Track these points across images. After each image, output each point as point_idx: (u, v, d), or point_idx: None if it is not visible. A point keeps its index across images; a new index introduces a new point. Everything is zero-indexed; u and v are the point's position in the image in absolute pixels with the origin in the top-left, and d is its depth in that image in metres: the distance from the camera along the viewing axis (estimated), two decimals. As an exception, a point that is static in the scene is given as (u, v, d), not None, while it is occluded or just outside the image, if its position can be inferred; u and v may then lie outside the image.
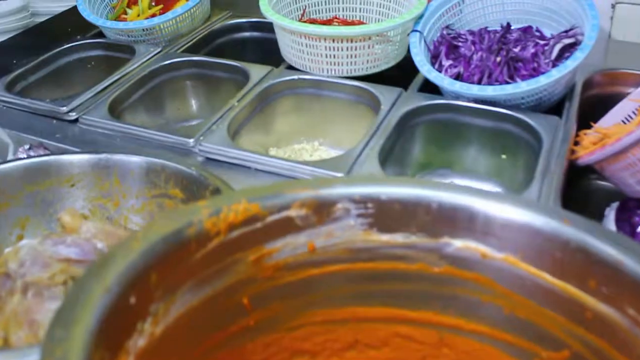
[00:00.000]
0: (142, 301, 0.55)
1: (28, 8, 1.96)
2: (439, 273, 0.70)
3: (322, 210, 0.70)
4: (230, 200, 0.74)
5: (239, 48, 1.73)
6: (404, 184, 0.77)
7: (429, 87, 1.35)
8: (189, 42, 1.63)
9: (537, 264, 0.62)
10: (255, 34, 1.73)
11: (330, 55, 1.35)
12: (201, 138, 1.22)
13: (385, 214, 0.74)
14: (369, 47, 1.35)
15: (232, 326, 0.67)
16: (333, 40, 1.32)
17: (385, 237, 0.70)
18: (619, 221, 1.18)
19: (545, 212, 0.60)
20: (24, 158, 1.19)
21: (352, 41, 1.32)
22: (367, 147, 1.17)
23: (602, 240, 0.57)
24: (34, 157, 1.18)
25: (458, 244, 0.68)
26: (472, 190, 0.72)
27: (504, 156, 1.27)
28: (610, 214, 1.20)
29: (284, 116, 1.41)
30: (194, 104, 1.55)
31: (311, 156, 1.42)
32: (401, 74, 1.43)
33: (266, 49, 1.67)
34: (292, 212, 0.70)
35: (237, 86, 1.45)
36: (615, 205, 1.20)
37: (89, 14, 1.62)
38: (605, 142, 1.15)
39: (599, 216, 1.18)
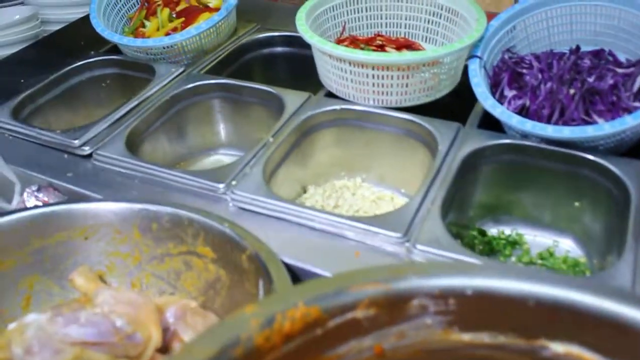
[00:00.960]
0: None
1: (37, 16, 1.80)
2: None
3: (394, 309, 0.61)
4: (284, 303, 0.61)
5: (269, 65, 1.57)
6: (494, 274, 0.64)
7: (489, 119, 1.18)
8: (213, 60, 1.47)
9: None
10: (287, 49, 1.56)
11: (378, 84, 1.18)
12: (233, 183, 1.06)
13: (470, 311, 0.64)
14: (421, 74, 1.18)
15: None
16: (383, 68, 1.16)
17: (467, 337, 0.61)
18: None
19: None
20: (31, 208, 1.03)
21: (404, 69, 1.16)
22: (427, 199, 1.01)
23: None
24: (41, 207, 1.03)
25: (558, 349, 0.59)
26: (579, 284, 0.60)
27: (577, 204, 1.11)
28: None
29: (323, 150, 1.26)
30: (221, 131, 1.39)
31: (354, 194, 1.26)
32: (454, 101, 1.27)
33: (299, 67, 1.52)
34: (359, 313, 0.60)
35: (269, 114, 1.30)
36: None
37: (104, 29, 1.46)
38: None
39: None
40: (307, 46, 1.28)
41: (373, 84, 1.19)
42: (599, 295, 0.57)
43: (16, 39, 1.70)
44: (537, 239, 1.16)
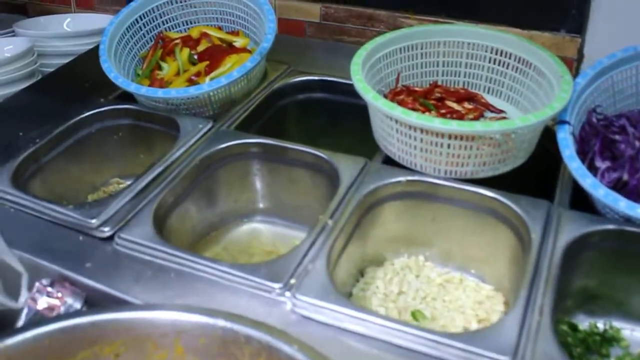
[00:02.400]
0: None
1: (34, 50, 1.59)
2: None
3: None
4: None
5: (305, 114, 1.39)
6: None
7: (579, 193, 1.02)
8: (244, 111, 1.28)
9: None
10: (325, 95, 1.39)
11: (453, 155, 1.01)
12: (292, 282, 0.88)
13: None
14: (502, 143, 1.01)
15: None
16: (462, 138, 0.98)
17: None
18: None
19: None
20: (48, 323, 0.84)
21: (487, 138, 0.99)
22: (534, 306, 0.84)
23: None
24: (62, 319, 0.84)
25: None
26: None
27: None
28: None
29: (383, 226, 1.08)
30: (258, 196, 1.21)
31: (417, 276, 1.09)
32: (530, 167, 1.10)
33: (340, 116, 1.36)
34: None
35: (317, 180, 1.13)
36: None
37: (117, 76, 1.27)
38: None
39: None
40: (350, 93, 1.12)
41: (447, 154, 1.01)
42: None
43: (10, 78, 1.50)
44: (635, 334, 1.00)
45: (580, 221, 0.96)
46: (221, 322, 0.80)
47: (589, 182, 0.96)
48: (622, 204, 0.92)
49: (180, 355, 0.83)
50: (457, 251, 1.10)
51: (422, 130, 0.99)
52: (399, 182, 1.05)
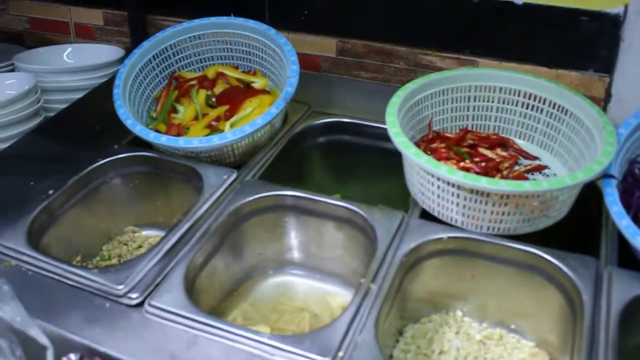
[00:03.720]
0: None
1: (37, 88, 1.53)
2: None
3: None
4: None
5: (330, 157, 1.36)
6: None
7: (625, 248, 0.98)
8: (268, 158, 1.23)
9: None
10: (349, 138, 1.34)
11: (496, 212, 0.97)
12: (340, 354, 0.84)
13: None
14: (546, 200, 0.98)
15: None
16: (506, 197, 0.94)
17: None
18: None
19: None
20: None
21: (529, 196, 0.95)
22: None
23: None
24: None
25: None
26: None
27: None
28: None
29: (422, 283, 1.04)
30: (284, 248, 1.16)
31: (457, 334, 1.04)
32: (572, 221, 1.06)
33: (366, 159, 1.31)
34: None
35: (349, 235, 1.08)
36: None
37: (134, 123, 1.21)
38: None
39: None
40: (374, 135, 1.07)
41: (491, 212, 0.97)
42: None
43: (15, 119, 1.43)
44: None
45: (634, 281, 0.92)
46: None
47: (638, 240, 0.92)
48: (680, 267, 0.89)
49: None
50: (494, 304, 1.06)
51: (459, 187, 0.96)
52: (440, 239, 1.01)
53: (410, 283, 1.02)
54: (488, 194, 0.95)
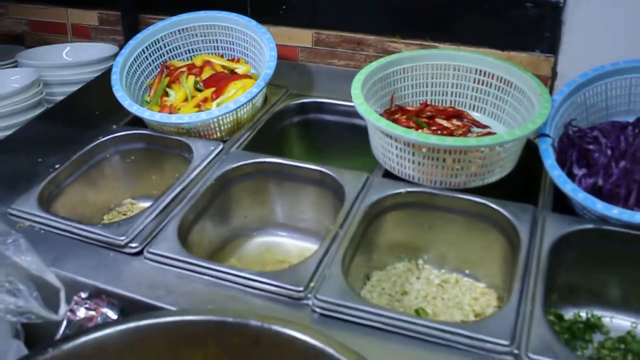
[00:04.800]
0: None
1: (39, 81, 1.68)
2: None
3: None
4: None
5: (306, 133, 1.51)
6: None
7: (560, 198, 1.14)
8: (251, 132, 1.38)
9: None
10: (323, 116, 1.49)
11: (447, 167, 1.12)
12: (312, 285, 0.98)
13: None
14: (489, 155, 1.13)
15: None
16: (456, 152, 1.10)
17: None
18: None
19: None
20: (92, 331, 0.91)
21: (471, 151, 1.11)
22: (526, 297, 0.95)
23: None
24: (106, 325, 0.92)
25: None
26: None
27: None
28: None
29: (386, 233, 1.19)
30: (266, 211, 1.31)
31: (418, 279, 1.19)
32: (517, 177, 1.22)
33: (339, 135, 1.46)
34: None
35: (322, 195, 1.23)
36: None
37: (131, 104, 1.37)
38: None
39: None
40: (344, 113, 1.22)
41: (443, 167, 1.13)
42: None
43: (18, 109, 1.58)
44: (614, 321, 1.12)
45: (563, 222, 1.08)
46: (253, 323, 0.89)
47: (569, 187, 1.08)
48: (599, 206, 1.04)
49: (215, 355, 0.91)
50: (451, 256, 1.21)
51: (419, 147, 1.11)
52: (399, 193, 1.16)
53: (375, 232, 1.17)
54: (439, 151, 1.10)
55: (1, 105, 1.56)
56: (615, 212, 1.03)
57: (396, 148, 1.15)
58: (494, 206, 1.12)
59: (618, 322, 1.11)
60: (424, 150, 1.11)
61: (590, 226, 1.07)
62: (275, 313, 0.96)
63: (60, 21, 2.05)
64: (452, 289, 1.19)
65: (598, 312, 1.12)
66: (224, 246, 1.28)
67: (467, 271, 1.21)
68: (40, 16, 2.08)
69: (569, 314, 1.12)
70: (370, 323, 0.94)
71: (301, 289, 0.98)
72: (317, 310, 0.96)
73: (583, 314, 1.11)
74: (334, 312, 0.95)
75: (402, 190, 1.16)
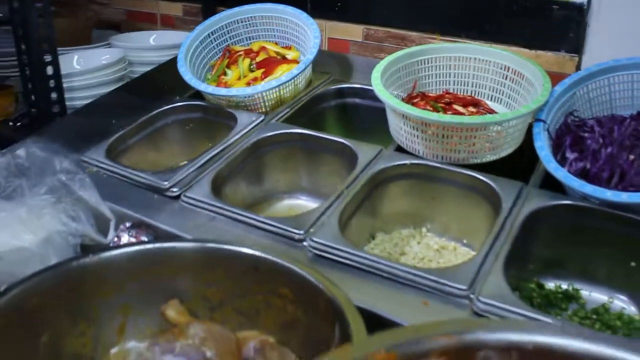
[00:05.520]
0: None
1: (125, 59, 1.95)
2: None
3: (462, 359, 0.67)
4: (366, 347, 0.66)
5: (341, 115, 1.68)
6: (553, 333, 0.70)
7: (550, 179, 1.25)
8: (291, 109, 1.58)
9: None
10: (358, 100, 1.67)
11: (447, 142, 1.27)
12: (311, 230, 1.16)
13: None
14: (487, 135, 1.27)
15: None
16: (452, 129, 1.24)
17: None
18: None
19: None
20: (128, 245, 1.14)
21: (471, 130, 1.25)
22: (491, 253, 1.08)
23: None
24: (137, 244, 1.14)
25: None
26: (634, 346, 0.64)
27: (633, 264, 1.16)
28: None
29: (392, 201, 1.34)
30: (296, 177, 1.49)
31: (419, 243, 1.34)
32: (518, 159, 1.34)
33: (369, 117, 1.62)
34: None
35: (343, 164, 1.39)
36: None
37: (191, 78, 1.59)
38: None
39: None
40: (377, 99, 1.38)
41: (443, 142, 1.27)
42: None
43: (105, 80, 1.85)
44: (592, 295, 1.21)
45: (544, 197, 1.20)
46: (255, 253, 1.08)
47: (552, 166, 1.20)
48: (576, 183, 1.16)
49: (222, 277, 1.10)
50: (454, 225, 1.35)
51: (423, 123, 1.26)
52: (405, 164, 1.32)
53: (380, 197, 1.32)
54: (439, 127, 1.25)
55: (91, 77, 1.83)
56: (588, 189, 1.14)
57: (404, 124, 1.31)
58: (485, 180, 1.26)
59: (596, 296, 1.21)
60: (427, 126, 1.26)
61: (567, 202, 1.18)
62: (276, 249, 1.15)
63: (151, 11, 2.34)
64: (449, 255, 1.33)
65: (579, 286, 1.22)
66: (255, 204, 1.47)
67: (465, 241, 1.35)
68: (136, 7, 2.38)
69: (551, 284, 1.24)
70: (353, 264, 1.10)
71: (301, 232, 1.16)
72: (312, 250, 1.14)
73: (565, 286, 1.23)
74: (325, 253, 1.12)
75: (408, 161, 1.32)
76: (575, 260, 1.22)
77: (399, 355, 0.68)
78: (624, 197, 1.11)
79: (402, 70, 1.47)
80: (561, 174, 1.18)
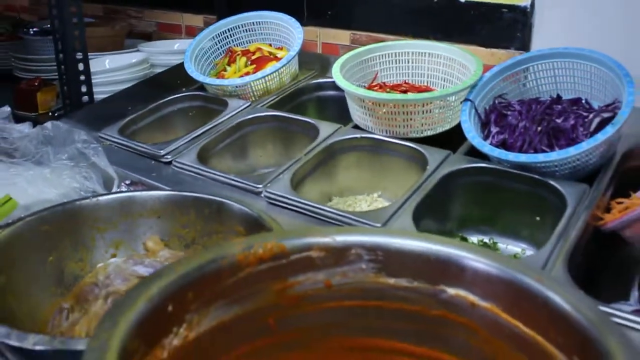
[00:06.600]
0: (179, 311, 0.71)
1: (148, 61, 2.28)
2: (436, 315, 0.80)
3: (338, 254, 0.82)
4: (262, 239, 0.91)
5: (320, 104, 1.95)
6: (408, 237, 0.89)
7: (478, 151, 1.48)
8: (275, 98, 1.86)
9: (513, 314, 0.73)
10: (334, 93, 1.93)
11: (389, 118, 1.52)
12: (268, 185, 1.43)
13: (393, 261, 0.83)
14: (423, 112, 1.51)
15: (258, 341, 0.80)
16: (392, 106, 1.50)
17: (391, 281, 0.81)
18: (642, 286, 1.27)
19: (521, 269, 0.72)
20: (119, 192, 1.43)
21: (408, 106, 1.50)
22: (407, 203, 1.33)
23: (562, 297, 0.67)
24: (127, 191, 1.43)
25: (451, 292, 0.79)
26: (463, 246, 0.83)
27: (538, 218, 1.38)
28: (636, 281, 1.29)
29: (346, 170, 1.60)
30: (273, 153, 1.76)
31: (369, 206, 1.58)
32: (456, 137, 1.58)
33: (344, 108, 1.88)
34: (313, 254, 0.83)
35: (309, 140, 1.65)
36: (641, 271, 1.28)
37: (193, 71, 1.90)
38: (629, 209, 1.25)
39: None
40: None
41: (386, 118, 1.52)
42: (475, 254, 0.83)
43: (130, 77, 2.18)
44: (508, 247, 1.44)
45: (463, 161, 1.44)
46: (218, 199, 1.35)
47: (471, 135, 1.43)
48: (486, 148, 1.39)
49: (194, 219, 1.37)
50: (400, 191, 1.59)
51: (369, 102, 1.52)
52: (355, 137, 1.58)
53: (336, 165, 1.58)
54: (380, 104, 1.51)
55: (117, 74, 2.17)
56: (496, 152, 1.38)
57: (355, 103, 1.57)
58: (419, 149, 1.50)
59: (512, 248, 1.43)
60: (372, 104, 1.52)
61: (479, 165, 1.42)
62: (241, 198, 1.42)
63: (177, 23, 2.68)
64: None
65: (498, 240, 1.45)
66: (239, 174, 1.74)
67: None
68: (164, 19, 2.72)
69: (474, 239, 1.47)
70: (296, 208, 1.36)
71: (260, 186, 1.43)
72: (266, 199, 1.41)
73: (486, 240, 1.45)
74: (276, 201, 1.39)
75: (358, 135, 1.58)
76: (494, 218, 1.45)
77: (287, 246, 0.92)
78: (523, 158, 1.34)
79: (364, 64, 1.73)
80: (477, 141, 1.41)
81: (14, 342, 0.87)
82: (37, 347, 0.86)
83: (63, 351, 0.89)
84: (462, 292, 0.77)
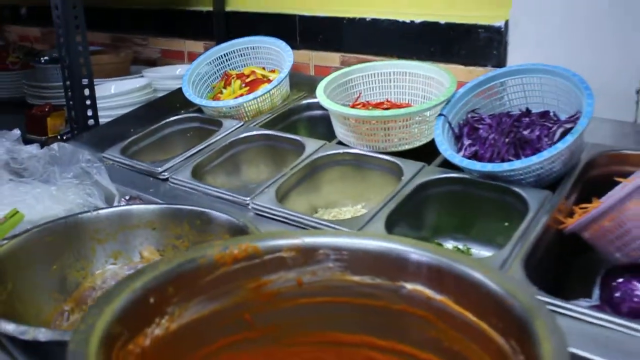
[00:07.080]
0: (160, 303, 0.79)
1: (151, 85, 2.41)
2: (398, 310, 0.87)
3: (307, 254, 0.89)
4: (237, 241, 1.01)
5: (310, 123, 2.06)
6: (371, 238, 0.98)
7: (451, 163, 1.58)
8: (268, 118, 1.98)
9: (463, 305, 0.80)
10: (322, 112, 2.03)
11: (369, 134, 1.63)
12: (255, 197, 1.54)
13: (357, 260, 0.90)
14: (401, 127, 1.62)
15: (236, 335, 0.87)
16: (370, 122, 1.61)
17: (356, 278, 0.88)
18: (602, 285, 1.35)
19: (470, 264, 0.80)
20: (118, 206, 1.55)
21: (386, 122, 1.60)
22: (381, 211, 1.43)
23: (501, 286, 0.75)
24: (124, 205, 1.55)
25: (410, 287, 0.86)
26: (417, 245, 0.89)
27: (506, 224, 1.48)
28: (598, 280, 1.37)
29: (331, 183, 1.70)
30: (264, 169, 1.88)
31: (352, 216, 1.69)
32: (434, 150, 1.68)
33: (331, 126, 1.99)
34: (284, 254, 0.90)
35: (297, 156, 1.76)
36: (602, 272, 1.37)
37: (190, 94, 2.02)
38: (587, 211, 1.34)
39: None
40: None
41: (367, 134, 1.63)
42: (428, 252, 0.91)
43: (134, 102, 2.32)
44: (481, 252, 1.53)
45: (436, 172, 1.54)
46: (207, 211, 1.46)
47: (443, 147, 1.53)
48: (457, 159, 1.49)
49: (187, 229, 1.48)
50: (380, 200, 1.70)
51: (351, 119, 1.63)
52: (338, 152, 1.69)
53: (320, 179, 1.69)
54: (362, 121, 1.62)
55: (122, 99, 2.31)
56: (465, 162, 1.48)
57: (338, 121, 1.68)
58: (396, 161, 1.61)
59: (484, 253, 1.53)
60: (354, 122, 1.63)
61: (449, 175, 1.52)
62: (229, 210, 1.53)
63: (180, 49, 2.82)
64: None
65: (471, 246, 1.55)
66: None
67: (391, 214, 1.69)
68: (168, 46, 2.86)
69: (448, 245, 1.56)
70: (280, 218, 1.47)
71: (247, 198, 1.54)
72: (253, 210, 1.52)
73: (460, 246, 1.55)
74: (262, 212, 1.50)
75: (341, 150, 1.69)
76: (467, 225, 1.55)
77: (259, 247, 1.02)
78: (489, 167, 1.44)
79: (348, 84, 1.85)
80: (448, 153, 1.52)
81: (18, 334, 0.98)
82: (40, 337, 0.97)
83: (63, 342, 1.00)
84: (419, 287, 0.84)
